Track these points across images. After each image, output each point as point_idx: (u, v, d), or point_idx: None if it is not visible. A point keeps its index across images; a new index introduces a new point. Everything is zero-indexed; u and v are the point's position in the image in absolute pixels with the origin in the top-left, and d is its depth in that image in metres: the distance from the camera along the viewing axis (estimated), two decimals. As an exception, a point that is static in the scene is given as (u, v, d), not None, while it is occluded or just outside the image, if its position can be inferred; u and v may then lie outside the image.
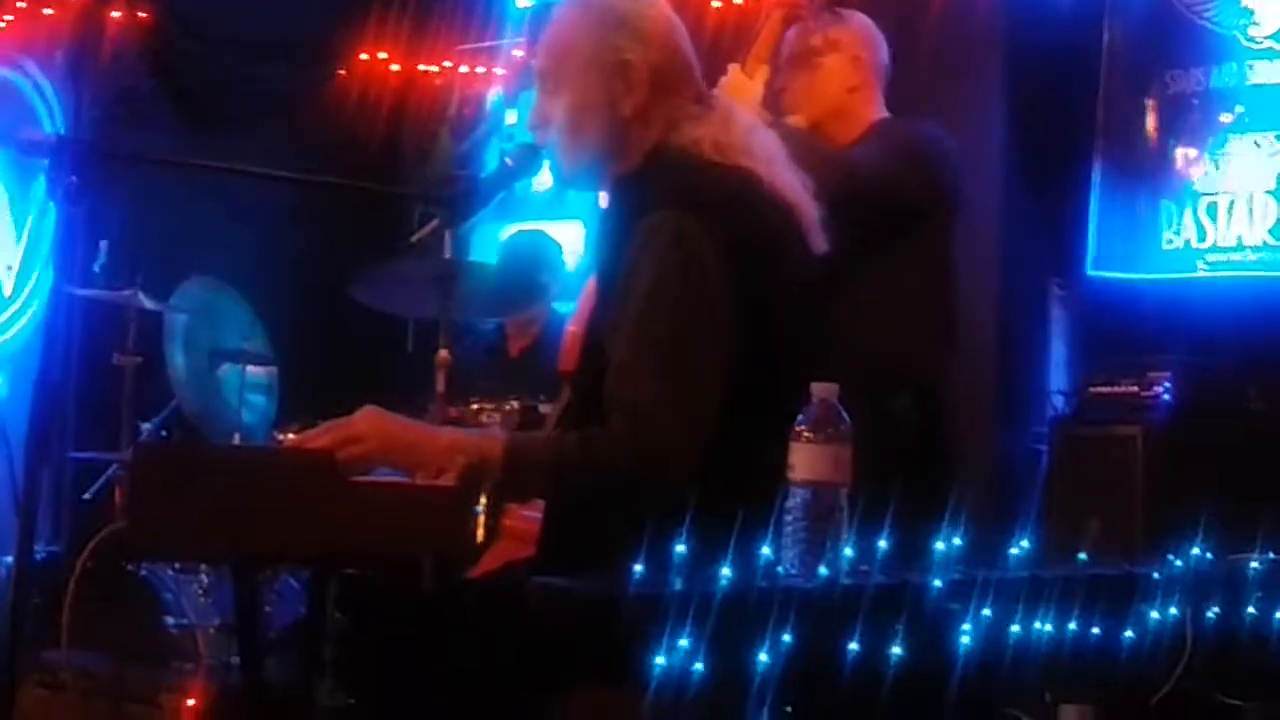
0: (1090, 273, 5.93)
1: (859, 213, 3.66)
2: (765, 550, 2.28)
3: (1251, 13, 5.65)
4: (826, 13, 4.08)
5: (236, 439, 5.48)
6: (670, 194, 2.64)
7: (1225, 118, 5.67)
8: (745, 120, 2.84)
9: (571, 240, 6.70)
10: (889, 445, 3.60)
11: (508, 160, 3.01)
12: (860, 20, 4.17)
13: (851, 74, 4.10)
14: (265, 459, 2.72)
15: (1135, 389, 5.19)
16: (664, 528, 2.24)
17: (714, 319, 2.57)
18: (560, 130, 2.79)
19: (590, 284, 3.16)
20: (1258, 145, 5.62)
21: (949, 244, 4.09)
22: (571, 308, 3.54)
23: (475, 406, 4.38)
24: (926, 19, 6.09)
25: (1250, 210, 5.60)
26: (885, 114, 4.15)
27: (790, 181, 2.78)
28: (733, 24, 6.46)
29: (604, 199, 2.90)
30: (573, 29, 2.81)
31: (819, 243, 2.79)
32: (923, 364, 3.99)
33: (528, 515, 3.62)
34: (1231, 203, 5.64)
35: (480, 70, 7.85)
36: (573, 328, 3.27)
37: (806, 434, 2.35)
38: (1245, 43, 5.65)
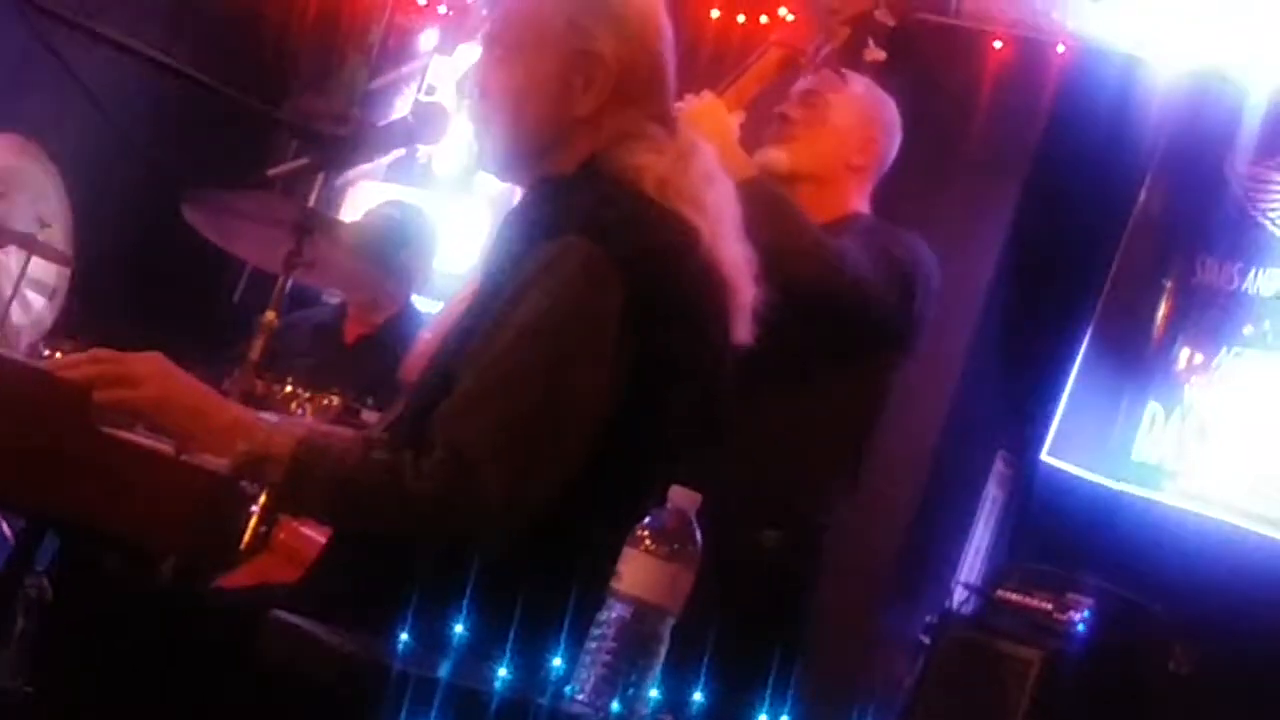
0: (1043, 456, 5.96)
1: (826, 312, 3.70)
2: (559, 661, 2.28)
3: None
4: (832, 73, 4.07)
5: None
6: (590, 220, 2.63)
7: (1250, 329, 5.67)
8: (705, 165, 2.82)
9: (458, 221, 6.72)
10: (745, 582, 3.63)
11: (410, 116, 3.02)
12: (883, 98, 4.15)
13: (859, 150, 4.07)
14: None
15: (1049, 606, 5.17)
16: (458, 596, 2.24)
17: (592, 380, 2.56)
18: (497, 108, 2.79)
19: (465, 291, 3.17)
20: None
21: (891, 383, 4.08)
22: (436, 309, 3.52)
23: (287, 389, 4.36)
24: (954, 114, 6.12)
25: (1248, 444, 5.58)
26: (866, 209, 4.16)
27: (734, 253, 2.78)
28: (725, 45, 6.51)
29: (515, 198, 2.89)
30: None
31: (744, 333, 2.79)
32: (813, 503, 3.97)
33: (308, 534, 3.62)
34: (1228, 428, 5.63)
35: (421, 1, 7.86)
36: (430, 334, 3.26)
37: (648, 542, 2.33)
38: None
